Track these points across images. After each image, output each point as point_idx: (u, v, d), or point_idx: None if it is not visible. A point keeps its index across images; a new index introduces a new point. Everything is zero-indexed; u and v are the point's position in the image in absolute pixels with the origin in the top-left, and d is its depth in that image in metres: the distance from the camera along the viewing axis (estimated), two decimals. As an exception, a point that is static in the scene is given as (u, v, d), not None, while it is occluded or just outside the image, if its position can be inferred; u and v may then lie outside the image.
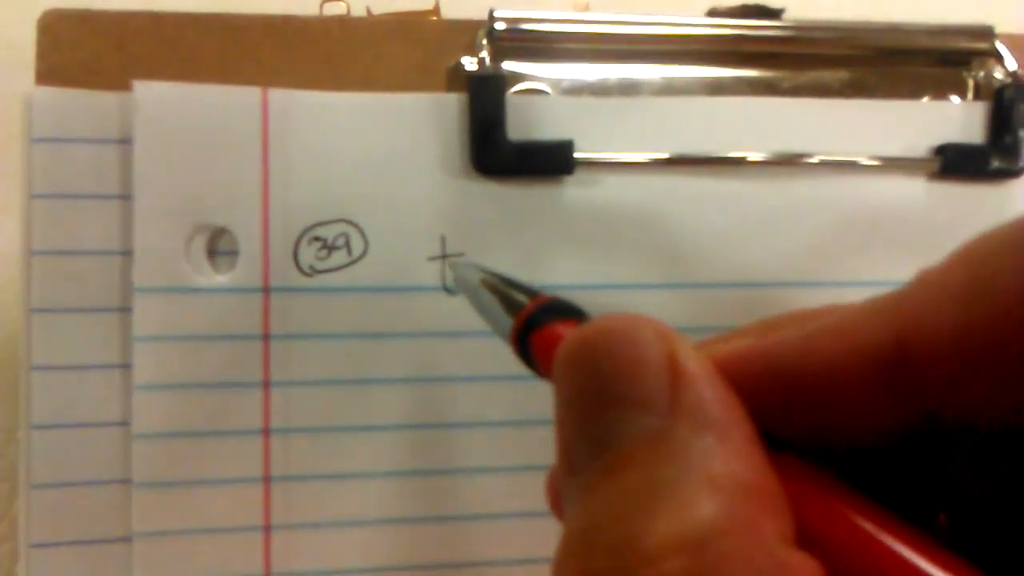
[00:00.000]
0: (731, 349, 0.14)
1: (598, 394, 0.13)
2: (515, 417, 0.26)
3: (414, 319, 0.26)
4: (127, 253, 0.25)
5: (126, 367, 0.25)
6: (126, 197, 0.25)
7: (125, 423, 0.25)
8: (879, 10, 0.30)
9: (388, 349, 0.26)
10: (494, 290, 0.20)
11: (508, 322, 0.18)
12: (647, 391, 0.13)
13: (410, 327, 0.26)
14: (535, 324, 0.17)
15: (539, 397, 0.27)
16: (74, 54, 0.26)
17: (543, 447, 0.26)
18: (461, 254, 0.27)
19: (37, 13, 0.26)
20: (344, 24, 0.28)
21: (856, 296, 0.27)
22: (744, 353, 0.14)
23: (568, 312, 0.17)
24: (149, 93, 0.25)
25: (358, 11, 0.30)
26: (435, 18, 0.31)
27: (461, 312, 0.26)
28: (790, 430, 0.13)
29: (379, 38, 0.28)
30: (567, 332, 0.16)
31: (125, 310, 0.25)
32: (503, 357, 0.27)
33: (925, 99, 0.29)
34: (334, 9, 0.30)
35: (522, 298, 0.18)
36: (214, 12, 0.27)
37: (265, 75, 0.27)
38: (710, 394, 0.13)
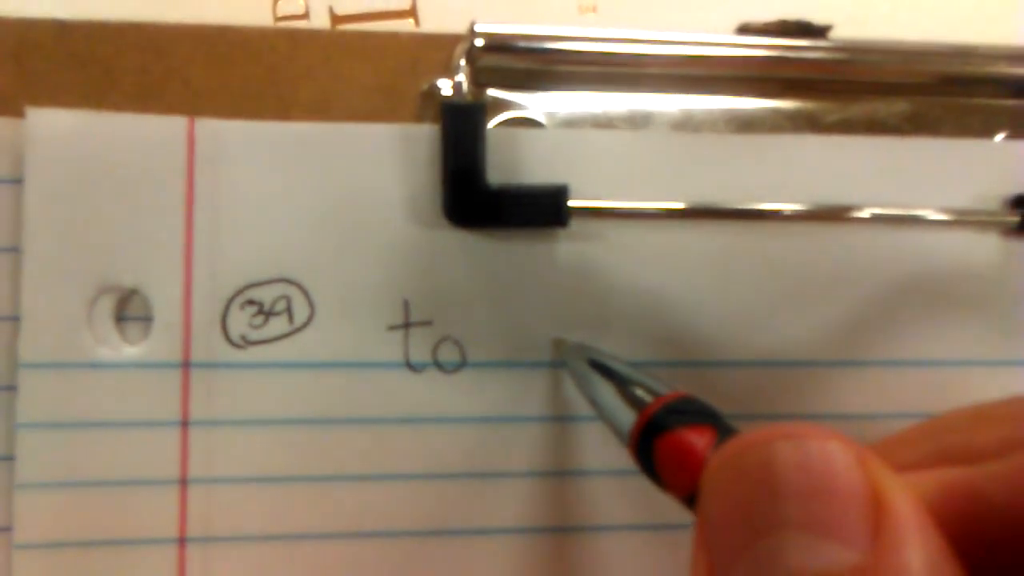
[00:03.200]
0: (931, 483, 0.13)
1: (774, 516, 0.11)
2: (491, 524, 0.22)
3: (370, 402, 0.21)
4: (17, 319, 0.21)
5: (9, 460, 0.20)
6: (17, 250, 0.21)
7: (6, 529, 0.20)
8: (945, 29, 0.25)
9: (337, 439, 0.21)
10: (611, 377, 0.18)
11: (627, 418, 0.16)
12: (843, 521, 0.11)
13: (364, 412, 0.21)
14: (661, 427, 0.15)
15: (503, 502, 0.22)
16: (-37, 70, 0.22)
17: (514, 557, 0.22)
18: (428, 322, 0.22)
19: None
20: (293, 37, 0.23)
21: (917, 377, 0.23)
22: (946, 488, 0.13)
23: (700, 415, 0.15)
24: (45, 122, 0.21)
25: (319, 11, 0.26)
26: (411, 20, 0.26)
27: (428, 394, 0.22)
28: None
29: (337, 54, 0.23)
30: (699, 439, 0.15)
31: (12, 389, 0.21)
32: (478, 451, 0.22)
33: (999, 137, 0.24)
34: (289, 8, 0.25)
35: (643, 393, 0.17)
36: (133, 21, 0.22)
37: (195, 99, 0.22)
38: (920, 536, 0.11)
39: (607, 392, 0.18)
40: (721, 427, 0.15)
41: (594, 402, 0.19)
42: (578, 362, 0.20)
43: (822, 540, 0.11)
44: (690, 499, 0.14)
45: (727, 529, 0.12)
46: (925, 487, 0.13)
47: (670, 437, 0.15)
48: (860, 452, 0.12)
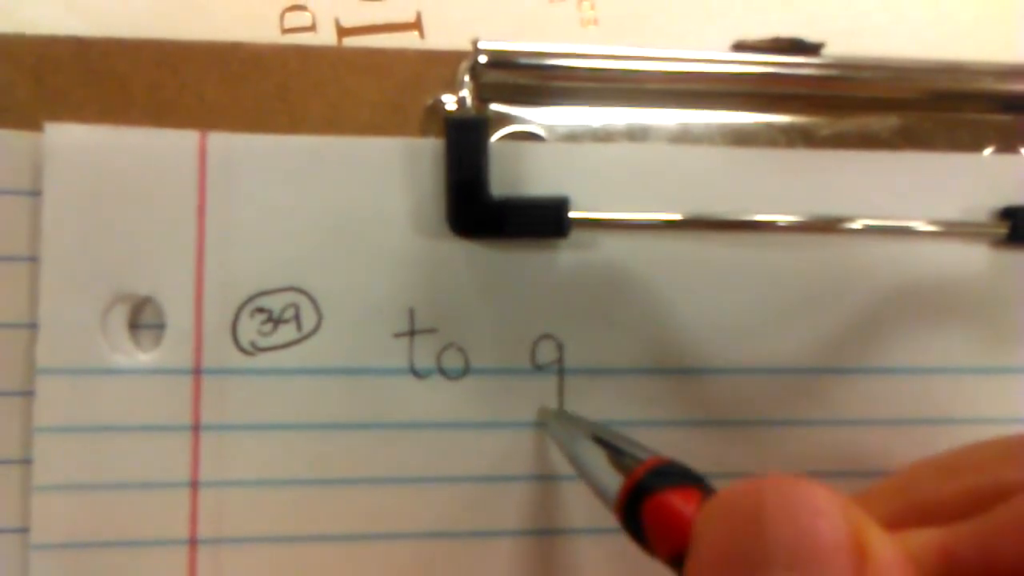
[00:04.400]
0: (906, 544, 0.13)
1: (762, 557, 0.12)
2: (494, 528, 0.22)
3: (376, 407, 0.22)
4: (35, 326, 0.21)
5: (27, 463, 0.21)
6: (36, 259, 0.21)
7: (23, 530, 0.21)
8: (936, 45, 0.26)
9: (344, 443, 0.22)
10: (597, 443, 0.18)
11: (614, 481, 0.17)
12: (829, 563, 0.12)
13: (371, 417, 0.22)
14: (648, 489, 0.16)
15: (506, 506, 0.22)
16: (-16, 85, 0.22)
17: (517, 560, 0.22)
18: (433, 330, 0.22)
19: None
20: (303, 54, 0.23)
21: (909, 385, 0.23)
22: (921, 549, 0.13)
23: (686, 477, 0.16)
24: (63, 136, 0.21)
25: (326, 24, 0.26)
26: (415, 32, 0.27)
27: (433, 400, 0.22)
28: None
29: (345, 71, 0.23)
30: (684, 502, 0.15)
31: (30, 394, 0.21)
32: (480, 455, 0.23)
33: (988, 151, 0.25)
34: (296, 21, 0.26)
35: (629, 459, 0.17)
36: (148, 38, 0.23)
37: (208, 113, 0.23)
38: None
39: (594, 456, 0.18)
40: (706, 489, 0.15)
41: (579, 466, 0.19)
42: (560, 428, 0.21)
43: None
44: (676, 561, 0.15)
45: (718, 571, 0.13)
46: (907, 548, 0.13)
47: (657, 499, 0.15)
48: (844, 502, 0.12)
